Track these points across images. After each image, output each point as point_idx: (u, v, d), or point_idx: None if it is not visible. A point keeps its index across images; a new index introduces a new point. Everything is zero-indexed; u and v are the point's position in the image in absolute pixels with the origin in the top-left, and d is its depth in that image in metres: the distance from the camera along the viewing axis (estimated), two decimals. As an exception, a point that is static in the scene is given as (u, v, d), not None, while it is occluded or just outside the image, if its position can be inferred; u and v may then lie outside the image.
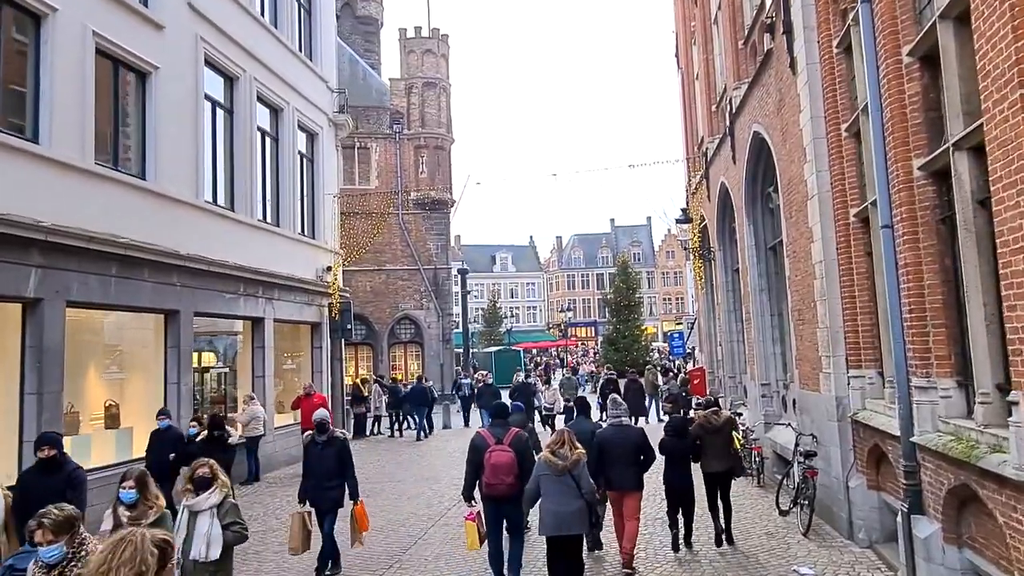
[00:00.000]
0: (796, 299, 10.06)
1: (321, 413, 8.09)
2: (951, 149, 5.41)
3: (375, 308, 30.38)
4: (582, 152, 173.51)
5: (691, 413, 12.61)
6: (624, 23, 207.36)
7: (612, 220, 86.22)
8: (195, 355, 13.75)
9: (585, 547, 7.68)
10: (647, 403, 21.44)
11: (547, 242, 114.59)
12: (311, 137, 17.95)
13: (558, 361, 53.65)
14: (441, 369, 30.55)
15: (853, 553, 7.75)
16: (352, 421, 20.45)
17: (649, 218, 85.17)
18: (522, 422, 8.92)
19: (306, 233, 17.36)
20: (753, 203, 12.78)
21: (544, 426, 18.34)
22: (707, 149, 16.60)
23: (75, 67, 10.01)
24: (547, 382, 22.49)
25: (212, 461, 5.49)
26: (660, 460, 8.32)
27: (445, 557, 8.56)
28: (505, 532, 7.19)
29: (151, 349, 12.20)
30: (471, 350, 41.18)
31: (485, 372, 23.61)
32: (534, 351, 58.84)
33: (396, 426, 21.07)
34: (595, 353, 49.30)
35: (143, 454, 10.12)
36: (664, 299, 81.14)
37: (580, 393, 21.91)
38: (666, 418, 13.95)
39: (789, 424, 10.71)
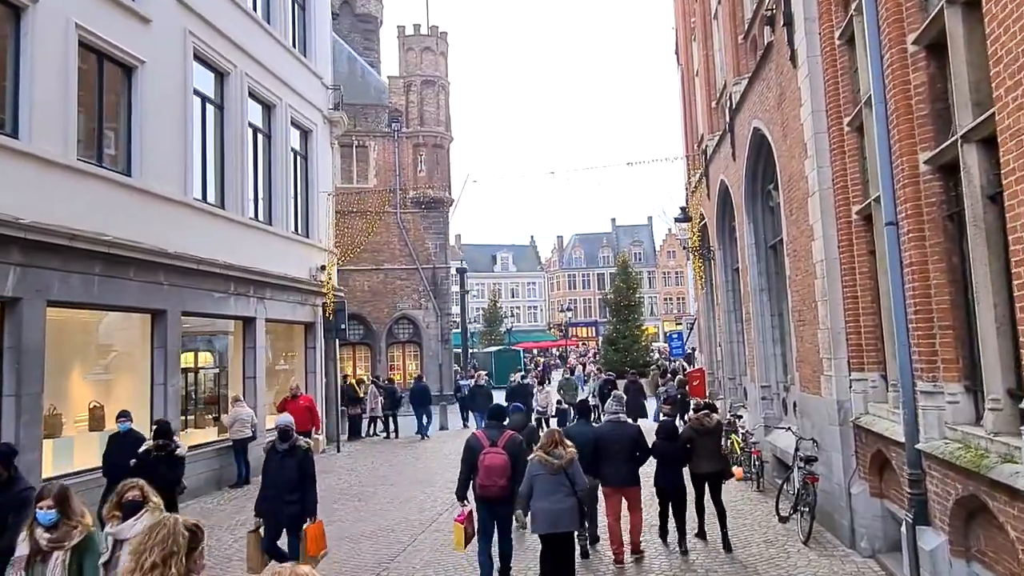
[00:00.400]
0: (797, 299, 9.80)
1: (285, 419, 7.48)
2: (959, 141, 5.13)
3: (373, 308, 30.15)
4: (582, 151, 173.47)
5: (688, 414, 12.36)
6: (624, 21, 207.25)
7: (613, 220, 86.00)
8: (189, 355, 13.56)
9: (579, 549, 7.82)
10: (647, 403, 21.26)
11: (548, 242, 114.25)
12: (305, 134, 17.70)
13: (558, 361, 53.42)
14: (440, 369, 30.32)
15: (855, 563, 7.46)
16: (347, 422, 20.21)
17: (650, 218, 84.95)
18: (522, 422, 8.82)
19: (300, 231, 17.12)
20: (753, 201, 12.53)
21: (537, 428, 18.07)
22: (707, 147, 16.35)
23: (57, 61, 9.78)
24: (541, 382, 22.21)
25: (142, 482, 4.89)
26: (651, 463, 8.47)
27: (434, 565, 8.30)
28: (496, 533, 7.17)
29: (138, 349, 11.96)
30: (470, 350, 41.03)
31: (481, 372, 23.35)
32: (535, 351, 58.63)
33: (393, 427, 20.82)
34: (595, 353, 49.01)
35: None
36: (665, 299, 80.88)
37: (580, 394, 21.76)
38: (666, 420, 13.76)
39: (789, 428, 10.45)
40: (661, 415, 16.84)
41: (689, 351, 29.82)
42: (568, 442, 6.76)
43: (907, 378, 6.12)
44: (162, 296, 11.73)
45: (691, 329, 30.51)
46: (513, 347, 47.94)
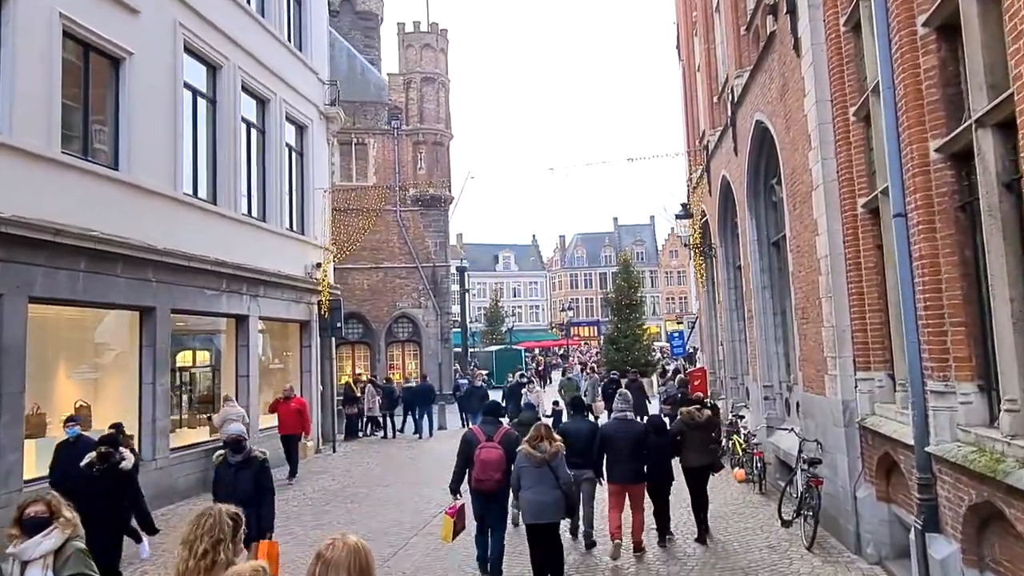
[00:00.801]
0: (800, 296, 9.52)
1: (236, 428, 7.01)
2: (974, 126, 4.84)
3: (372, 306, 29.91)
4: (583, 149, 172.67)
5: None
6: (624, 17, 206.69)
7: (615, 219, 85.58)
8: (182, 353, 13.31)
9: (579, 541, 8.40)
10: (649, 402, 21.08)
11: (550, 241, 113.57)
12: (300, 130, 17.44)
13: (559, 360, 53.12)
14: (439, 368, 30.05)
15: (861, 570, 7.18)
16: (344, 422, 19.97)
17: (653, 217, 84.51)
18: (532, 420, 8.99)
19: (295, 228, 16.86)
20: (755, 196, 12.25)
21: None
22: (708, 142, 16.07)
23: (40, 51, 9.52)
24: (530, 381, 21.97)
25: (54, 496, 4.22)
26: None
27: (425, 570, 8.04)
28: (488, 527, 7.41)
29: (126, 347, 11.71)
30: (471, 349, 40.76)
31: (480, 372, 23.11)
32: (536, 350, 58.34)
33: (392, 427, 20.57)
34: (596, 353, 48.72)
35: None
36: (668, 298, 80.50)
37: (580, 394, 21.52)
38: (666, 420, 13.55)
39: (792, 429, 10.17)
40: (663, 415, 16.58)
41: (690, 351, 29.52)
42: (556, 437, 6.95)
43: (917, 377, 5.84)
44: (151, 293, 11.48)
45: (692, 328, 30.21)
46: (514, 346, 47.68)
